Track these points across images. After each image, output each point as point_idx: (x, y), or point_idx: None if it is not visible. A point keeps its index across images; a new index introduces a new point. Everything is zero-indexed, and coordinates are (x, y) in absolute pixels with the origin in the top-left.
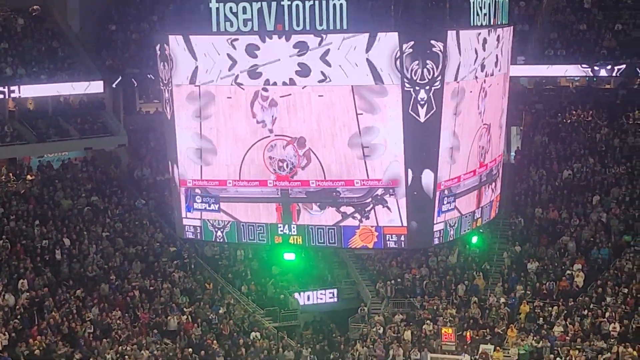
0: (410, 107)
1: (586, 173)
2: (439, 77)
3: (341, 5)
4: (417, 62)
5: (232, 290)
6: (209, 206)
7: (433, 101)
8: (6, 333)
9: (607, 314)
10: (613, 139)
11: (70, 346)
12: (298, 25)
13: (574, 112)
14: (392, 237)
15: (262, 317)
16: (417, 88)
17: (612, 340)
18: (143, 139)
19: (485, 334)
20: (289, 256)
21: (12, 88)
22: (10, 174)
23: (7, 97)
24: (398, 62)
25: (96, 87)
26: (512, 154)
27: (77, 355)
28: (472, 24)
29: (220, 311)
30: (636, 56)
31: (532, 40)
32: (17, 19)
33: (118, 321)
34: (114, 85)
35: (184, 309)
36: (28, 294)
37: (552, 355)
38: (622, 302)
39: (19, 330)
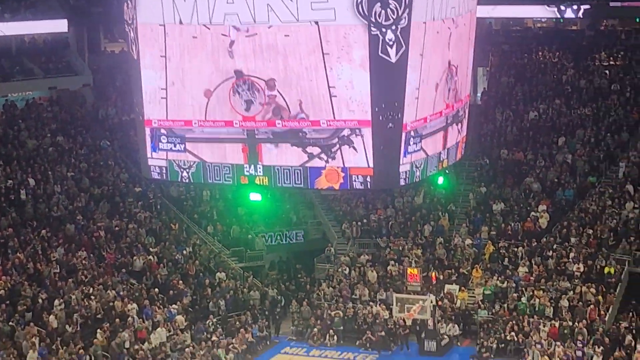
0: (380, 50)
1: (552, 114)
2: (405, 14)
3: None
4: (378, 4)
5: (197, 231)
6: (175, 146)
7: (402, 40)
8: None
9: (571, 255)
10: (579, 80)
11: (36, 286)
12: None
13: (541, 53)
14: (358, 178)
15: (228, 258)
16: (384, 30)
17: (575, 280)
18: (108, 79)
19: (450, 274)
20: (255, 197)
21: None
22: None
23: None
24: (360, 8)
25: (60, 26)
26: (479, 95)
27: (43, 295)
28: None
29: (186, 252)
30: None
31: None
32: None
33: (83, 261)
34: (76, 24)
35: (150, 250)
36: None
37: (516, 295)
38: (586, 243)
39: None
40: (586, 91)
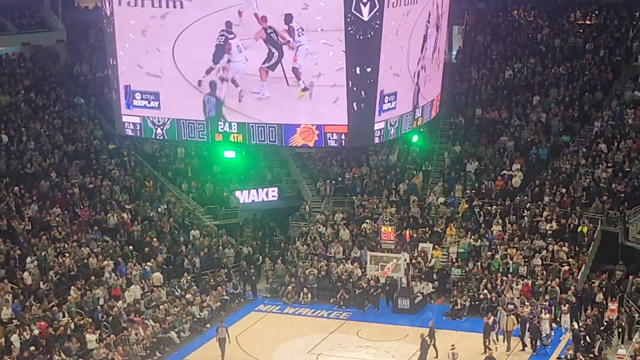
0: (353, 7)
1: (527, 73)
2: None
3: None
4: None
5: (172, 188)
6: (149, 103)
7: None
8: None
9: (544, 214)
10: (554, 39)
11: (10, 243)
12: None
13: (516, 12)
14: (332, 136)
15: (203, 215)
16: None
17: (549, 239)
18: (82, 35)
19: (424, 232)
20: (229, 154)
21: None
22: None
23: None
24: None
25: None
26: (454, 53)
27: (17, 251)
28: None
29: (160, 209)
30: None
31: None
32: None
33: (57, 218)
34: None
35: (124, 207)
36: None
37: (489, 254)
38: (559, 202)
39: None
40: (560, 50)
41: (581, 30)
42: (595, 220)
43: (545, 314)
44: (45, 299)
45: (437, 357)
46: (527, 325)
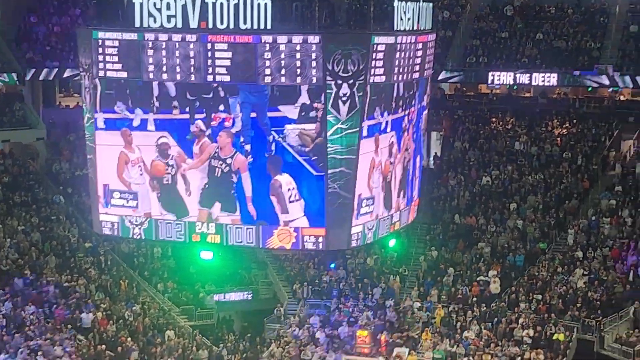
0: (331, 103)
1: (504, 180)
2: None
3: (265, 4)
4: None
5: (147, 288)
6: (127, 202)
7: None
8: None
9: (520, 320)
10: (531, 147)
11: None
12: (222, 23)
13: (494, 119)
14: (310, 239)
15: (178, 315)
16: (340, 82)
17: (524, 345)
18: (62, 133)
19: (401, 337)
20: (207, 255)
21: None
22: None
23: None
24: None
25: (15, 79)
26: (432, 159)
27: None
28: (395, 29)
29: (135, 308)
30: (557, 65)
31: (455, 47)
32: None
33: (31, 316)
34: (31, 78)
35: (100, 306)
36: None
37: (466, 359)
38: (535, 309)
39: None
40: (537, 158)
41: (558, 139)
42: (571, 328)
43: None
44: None
45: None
46: None
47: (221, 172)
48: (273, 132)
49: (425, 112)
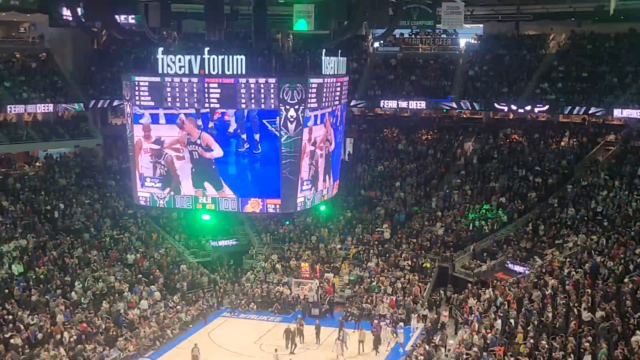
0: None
1: (392, 168)
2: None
3: (241, 59)
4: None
5: (169, 238)
6: (155, 184)
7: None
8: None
9: (403, 255)
10: (408, 147)
11: (64, 274)
12: (214, 70)
13: (385, 130)
14: (271, 206)
15: (188, 255)
16: (288, 107)
17: (405, 271)
18: (113, 141)
19: (328, 267)
20: (206, 217)
21: (27, 107)
22: (25, 162)
23: (24, 112)
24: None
25: (82, 107)
26: (347, 155)
27: (67, 278)
28: (323, 73)
29: (161, 251)
30: (423, 96)
31: (360, 84)
32: (31, 63)
33: (95, 257)
34: (92, 106)
35: (139, 249)
36: (35, 240)
37: (369, 280)
38: (412, 248)
39: (29, 262)
40: (412, 153)
41: (426, 141)
42: (434, 259)
43: (386, 327)
44: (86, 310)
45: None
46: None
47: (198, 155)
48: (265, 122)
49: (342, 126)
